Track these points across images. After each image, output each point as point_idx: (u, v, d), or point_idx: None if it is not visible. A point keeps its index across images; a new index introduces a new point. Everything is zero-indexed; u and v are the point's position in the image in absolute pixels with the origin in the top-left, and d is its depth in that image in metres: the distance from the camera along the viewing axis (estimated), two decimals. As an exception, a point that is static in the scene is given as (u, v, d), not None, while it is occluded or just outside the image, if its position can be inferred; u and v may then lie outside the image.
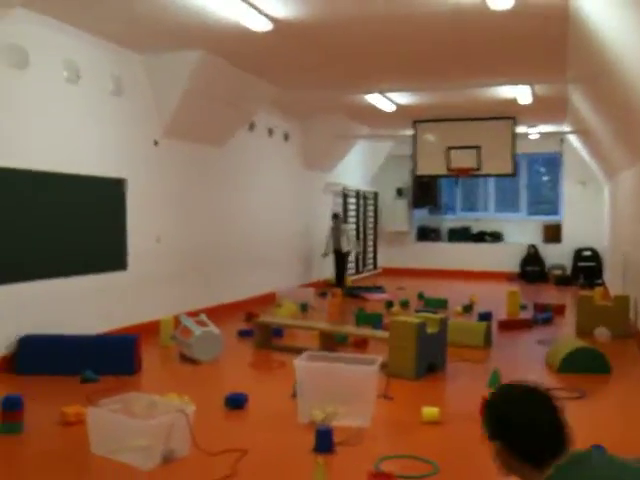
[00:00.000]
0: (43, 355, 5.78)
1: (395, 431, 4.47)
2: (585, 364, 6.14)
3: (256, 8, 5.96)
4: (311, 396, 4.53)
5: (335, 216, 12.81)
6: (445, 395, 5.52)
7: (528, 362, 6.69)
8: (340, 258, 12.68)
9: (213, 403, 4.94)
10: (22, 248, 6.00)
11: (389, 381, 5.48)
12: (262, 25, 6.29)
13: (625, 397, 5.41)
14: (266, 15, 6.14)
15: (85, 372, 5.54)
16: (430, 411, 4.60)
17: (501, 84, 9.49)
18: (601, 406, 5.16)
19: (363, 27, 6.57)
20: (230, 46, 7.27)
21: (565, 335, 7.83)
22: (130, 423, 3.77)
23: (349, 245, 12.73)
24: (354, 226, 14.90)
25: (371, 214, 16.20)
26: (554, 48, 7.28)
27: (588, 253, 15.01)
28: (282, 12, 6.11)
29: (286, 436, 4.27)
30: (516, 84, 9.33)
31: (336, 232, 12.62)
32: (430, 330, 6.03)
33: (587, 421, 4.75)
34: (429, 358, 6.00)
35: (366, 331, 6.88)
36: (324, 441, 3.98)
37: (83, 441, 3.95)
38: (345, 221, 13.68)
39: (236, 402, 4.83)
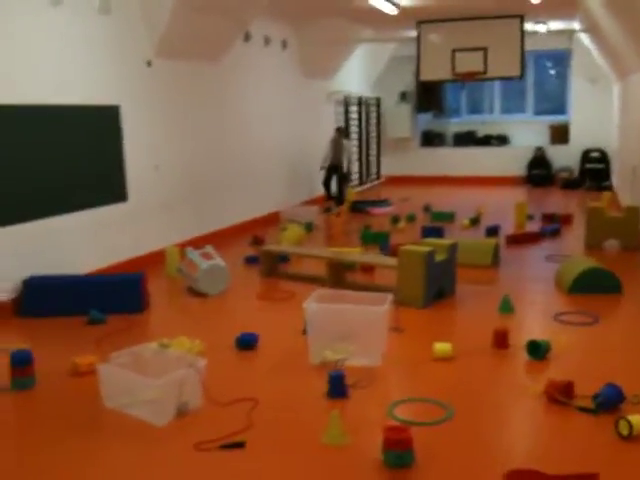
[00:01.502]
0: (49, 297, 5.71)
1: (407, 370, 4.45)
2: (596, 285, 6.08)
3: None
4: (322, 337, 4.48)
5: (338, 129, 12.25)
6: (456, 325, 5.49)
7: (538, 282, 6.63)
8: (337, 174, 12.15)
9: (223, 343, 4.91)
10: (17, 187, 5.80)
11: (398, 311, 5.44)
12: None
13: (638, 321, 5.37)
14: None
15: (91, 312, 5.49)
16: (442, 347, 4.57)
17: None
18: (615, 331, 5.13)
19: None
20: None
21: (574, 254, 7.72)
22: (141, 380, 3.73)
23: (347, 163, 12.19)
24: (356, 142, 14.54)
25: (374, 121, 15.79)
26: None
27: (596, 154, 14.74)
28: None
29: (298, 380, 4.26)
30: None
31: (337, 146, 12.02)
32: (439, 257, 5.93)
33: (601, 349, 4.74)
34: (438, 285, 5.93)
35: (373, 258, 6.78)
36: (337, 387, 3.95)
37: (95, 394, 3.93)
38: (348, 135, 13.13)
39: (246, 343, 4.79)
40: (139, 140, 7.44)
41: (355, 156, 14.57)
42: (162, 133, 7.90)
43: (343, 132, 12.36)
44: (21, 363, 4.16)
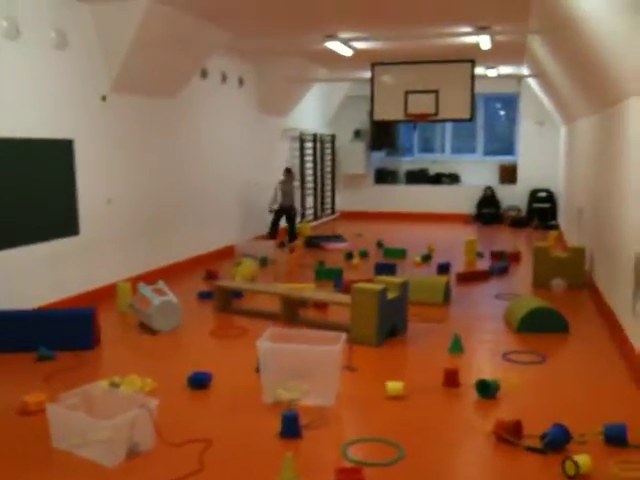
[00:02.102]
0: (-4, 332, 5.59)
1: (360, 408, 4.48)
2: (544, 324, 6.25)
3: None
4: (275, 375, 4.49)
5: (288, 171, 11.95)
6: (407, 363, 5.55)
7: (487, 320, 6.78)
8: (287, 214, 11.82)
9: (176, 382, 4.87)
10: (-33, 220, 5.70)
11: (351, 349, 5.49)
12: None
13: (584, 360, 5.52)
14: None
15: (40, 349, 5.38)
16: (394, 386, 4.62)
17: (463, 34, 9.32)
18: (562, 370, 5.26)
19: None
20: (180, -5, 6.87)
21: (522, 292, 7.93)
22: (91, 421, 3.67)
23: (294, 202, 11.92)
24: (311, 178, 14.71)
25: (328, 157, 16.00)
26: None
27: (543, 194, 15.20)
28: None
29: (252, 419, 4.24)
30: (477, 34, 9.14)
31: (288, 188, 11.76)
32: (391, 295, 6.02)
33: (549, 388, 4.86)
34: (390, 323, 6.01)
35: (326, 295, 6.83)
36: (290, 427, 3.96)
37: (45, 433, 3.85)
38: (293, 176, 12.27)
39: (199, 382, 4.76)
40: (92, 173, 7.39)
41: (310, 191, 14.72)
42: (116, 167, 7.86)
43: (293, 173, 12.10)
44: (-34, 402, 4.05)
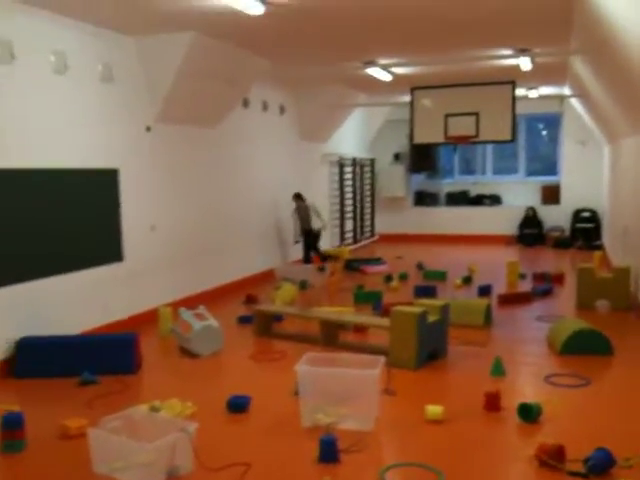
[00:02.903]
0: (42, 357, 5.72)
1: (399, 433, 4.44)
2: (587, 346, 6.13)
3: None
4: (313, 399, 4.50)
5: (297, 196, 11.40)
6: (447, 387, 5.49)
7: (529, 343, 6.67)
8: (312, 238, 11.55)
9: (215, 406, 4.91)
10: (16, 249, 5.88)
11: (391, 372, 5.45)
12: (255, 8, 6.07)
13: (629, 383, 5.39)
14: (257, -2, 5.92)
15: (83, 374, 5.49)
16: (434, 410, 4.58)
17: (503, 57, 9.32)
18: (606, 393, 5.13)
19: (361, 4, 6.33)
20: (222, 27, 7.03)
21: (566, 314, 7.78)
22: (132, 444, 3.73)
23: (319, 222, 11.52)
24: (350, 201, 14.75)
25: (368, 181, 16.05)
26: (559, 19, 7.06)
27: (587, 214, 14.94)
28: (273, -6, 5.89)
29: (290, 443, 4.25)
30: (517, 56, 9.11)
31: (303, 212, 11.38)
32: (431, 318, 5.98)
33: (593, 411, 4.75)
34: (431, 346, 5.96)
35: (366, 319, 6.83)
36: (328, 451, 3.95)
37: (85, 458, 3.91)
38: (304, 199, 11.57)
39: (238, 406, 4.79)
40: (136, 201, 7.57)
41: (349, 214, 14.77)
42: (159, 195, 8.04)
43: (303, 196, 11.49)
44: (12, 426, 4.16)
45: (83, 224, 6.72)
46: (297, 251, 11.96)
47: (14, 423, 4.15)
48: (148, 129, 7.75)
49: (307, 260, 11.55)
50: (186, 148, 8.61)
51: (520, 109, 12.30)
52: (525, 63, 9.59)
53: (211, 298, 8.87)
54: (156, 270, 7.94)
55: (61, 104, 6.44)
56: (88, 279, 6.80)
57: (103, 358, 5.73)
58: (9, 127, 5.84)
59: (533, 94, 13.49)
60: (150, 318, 7.51)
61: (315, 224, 11.51)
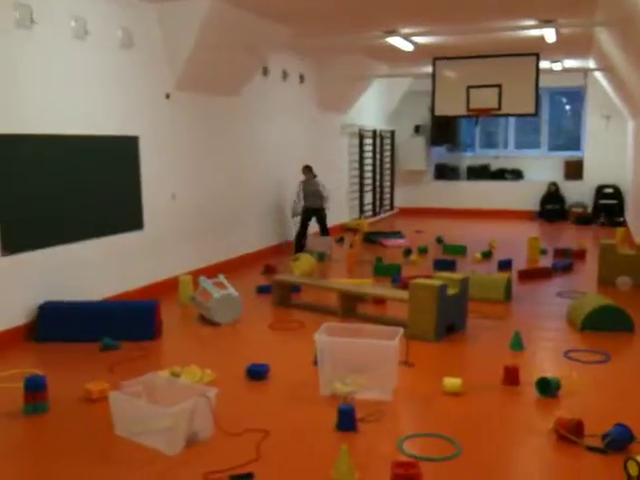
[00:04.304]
0: (63, 322, 5.79)
1: (417, 404, 4.45)
2: (608, 322, 6.07)
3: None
4: (332, 369, 4.52)
5: (308, 168, 10.56)
6: (466, 360, 5.48)
7: (549, 318, 6.63)
8: (317, 217, 10.64)
9: (234, 373, 4.95)
10: (37, 215, 5.93)
11: (409, 344, 5.45)
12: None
13: (649, 360, 5.35)
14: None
15: (104, 339, 5.55)
16: (452, 382, 4.58)
17: (527, 27, 9.13)
18: (626, 370, 5.10)
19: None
20: (242, -7, 6.98)
21: (587, 290, 7.71)
22: (152, 409, 3.77)
23: (322, 200, 10.51)
24: (370, 174, 14.64)
25: (388, 153, 15.92)
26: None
27: (610, 190, 14.75)
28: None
29: (308, 411, 4.27)
30: (542, 27, 8.93)
31: (310, 187, 10.49)
32: (451, 291, 5.96)
33: (612, 387, 4.72)
34: (449, 320, 5.95)
35: (385, 291, 6.81)
36: (346, 420, 3.97)
37: (107, 421, 3.97)
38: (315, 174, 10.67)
39: (257, 374, 4.83)
40: (157, 170, 7.57)
41: (369, 187, 14.69)
42: (179, 163, 8.03)
43: (311, 170, 10.59)
44: (34, 388, 4.22)
45: (104, 191, 6.74)
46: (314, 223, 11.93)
47: (37, 385, 4.21)
48: (167, 96, 7.72)
49: (299, 243, 10.44)
50: (206, 116, 8.57)
51: (543, 82, 12.05)
52: (549, 34, 9.41)
53: (231, 267, 8.90)
54: (176, 239, 7.97)
55: (81, 70, 6.42)
56: (109, 246, 6.84)
57: (124, 324, 5.79)
58: (28, 92, 5.84)
59: (557, 67, 13.26)
60: (171, 286, 7.56)
61: (318, 203, 10.49)
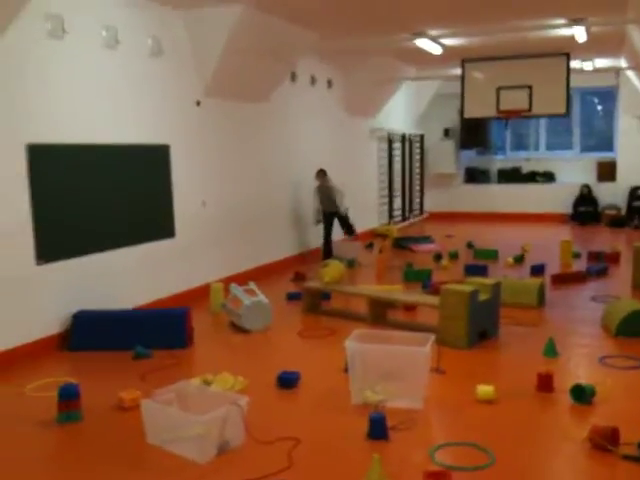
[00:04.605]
0: (96, 331, 5.87)
1: (449, 412, 4.41)
2: (644, 327, 5.96)
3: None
4: (363, 376, 4.50)
5: (322, 172, 10.28)
6: (499, 367, 5.42)
7: (583, 324, 6.52)
8: (338, 218, 10.43)
9: (265, 381, 4.96)
10: (70, 223, 6.03)
11: (441, 351, 5.40)
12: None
13: (687, 366, 5.23)
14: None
15: (137, 348, 5.61)
16: (485, 390, 4.53)
17: (557, 27, 9.02)
18: (662, 377, 5.00)
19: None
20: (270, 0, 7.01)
21: (621, 295, 7.57)
22: (184, 417, 3.80)
23: (342, 204, 10.28)
24: (399, 178, 14.55)
25: (417, 157, 15.85)
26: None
27: (644, 192, 14.48)
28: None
29: (339, 420, 4.26)
30: (572, 25, 8.81)
31: (326, 192, 10.24)
32: (483, 297, 5.90)
33: (648, 396, 4.63)
34: (481, 326, 5.89)
35: (415, 297, 6.78)
36: (378, 429, 3.95)
37: (139, 429, 4.00)
38: (328, 179, 10.32)
39: (288, 382, 4.83)
40: (187, 177, 7.64)
41: (398, 192, 14.63)
42: (209, 170, 8.10)
43: (325, 174, 10.31)
44: (68, 397, 4.27)
45: (136, 200, 6.83)
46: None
47: (70, 394, 4.27)
48: (198, 104, 7.79)
49: (326, 249, 10.39)
50: (234, 123, 8.63)
51: (574, 82, 11.88)
52: (580, 33, 9.28)
53: (261, 274, 8.93)
54: (207, 246, 8.03)
55: (112, 79, 6.52)
56: (142, 254, 6.92)
57: (156, 332, 5.84)
58: (61, 101, 5.94)
59: (588, 66, 13.07)
60: (201, 294, 7.61)
61: (341, 205, 10.30)
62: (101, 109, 6.39)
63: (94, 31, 6.25)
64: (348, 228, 10.69)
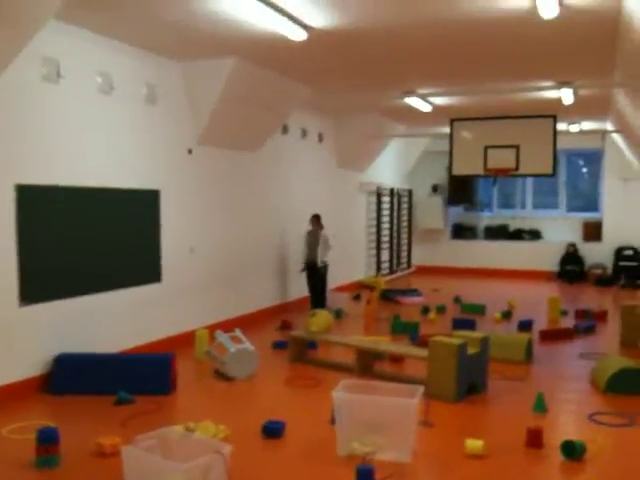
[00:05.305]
0: (78, 374, 5.74)
1: (437, 466, 4.32)
2: (633, 384, 5.91)
3: (291, 18, 5.79)
4: (350, 427, 4.40)
5: (315, 218, 9.97)
6: (488, 421, 5.33)
7: (572, 380, 6.47)
8: (314, 274, 9.91)
9: (249, 430, 4.84)
10: (56, 265, 5.95)
11: (429, 404, 5.32)
12: (297, 34, 6.12)
13: (677, 425, 5.17)
14: (301, 24, 5.97)
15: (119, 393, 5.48)
16: (474, 444, 4.44)
17: (544, 89, 9.23)
18: (652, 435, 4.94)
19: (401, 33, 6.36)
20: (265, 53, 7.13)
21: (609, 352, 7.55)
22: (166, 464, 3.67)
23: (324, 257, 9.87)
24: (387, 232, 14.66)
25: (405, 212, 15.96)
26: (602, 51, 6.99)
27: (630, 252, 14.60)
28: (317, 21, 5.95)
29: (325, 471, 4.15)
30: (559, 88, 9.02)
31: (312, 239, 9.90)
32: (471, 350, 5.84)
33: (638, 451, 4.55)
34: (470, 379, 5.82)
35: (403, 348, 6.71)
36: (365, 481, 3.84)
37: (119, 476, 3.86)
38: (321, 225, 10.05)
39: (273, 431, 4.72)
40: (176, 223, 7.62)
41: (386, 245, 14.67)
42: (198, 217, 8.08)
43: (319, 221, 9.99)
44: (47, 440, 4.15)
45: (123, 244, 6.78)
46: (332, 279, 11.89)
47: (49, 438, 4.14)
48: (190, 152, 7.84)
49: (313, 298, 9.94)
50: (226, 172, 8.67)
51: (561, 144, 12.11)
52: (567, 95, 9.49)
53: (247, 322, 8.82)
54: (194, 292, 7.95)
55: (106, 124, 6.55)
56: (127, 299, 6.83)
57: (139, 377, 5.72)
58: (54, 144, 5.95)
59: (574, 128, 13.35)
60: (186, 340, 7.49)
61: (319, 260, 9.83)
62: (92, 153, 6.40)
63: (89, 76, 6.31)
64: (321, 289, 9.97)
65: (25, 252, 5.63)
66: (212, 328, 7.49)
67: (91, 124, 6.36)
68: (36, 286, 5.74)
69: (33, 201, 5.71)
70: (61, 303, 6.01)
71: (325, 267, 9.95)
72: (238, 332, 6.67)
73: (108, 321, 6.58)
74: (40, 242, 5.79)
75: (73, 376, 5.73)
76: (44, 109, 5.83)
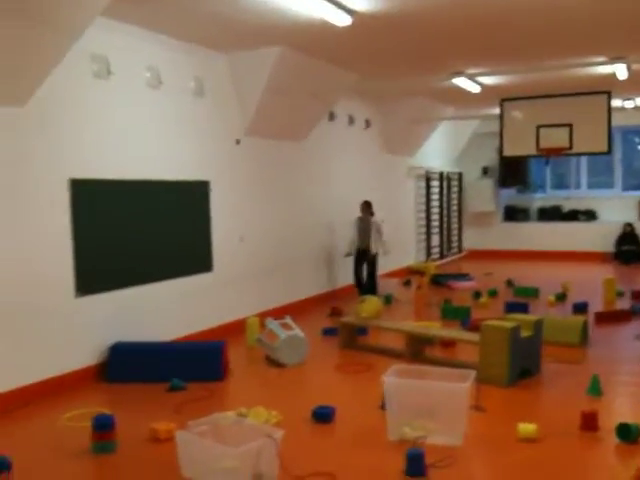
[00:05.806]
0: (132, 363, 5.89)
1: (489, 450, 4.28)
2: (693, 367, 5.74)
3: (335, 3, 5.77)
4: (400, 412, 4.40)
5: (365, 204, 10.02)
6: (541, 405, 5.25)
7: (628, 362, 6.32)
8: (366, 261, 9.99)
9: (300, 415, 4.88)
10: (112, 257, 6.11)
11: (480, 389, 5.26)
12: (342, 19, 6.09)
13: None
14: (345, 9, 5.94)
15: (172, 380, 5.60)
16: (527, 428, 4.38)
17: (597, 64, 8.96)
18: None
19: (448, 13, 6.26)
20: (310, 40, 7.13)
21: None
22: (218, 449, 3.74)
23: (377, 244, 9.90)
24: (437, 216, 14.51)
25: (455, 195, 15.78)
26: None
27: (689, 231, 14.12)
28: (362, 5, 5.90)
29: (375, 456, 4.16)
30: (612, 63, 8.74)
31: (364, 225, 9.92)
32: (524, 334, 5.76)
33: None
34: (522, 363, 5.73)
35: (454, 333, 6.66)
36: (416, 465, 3.83)
37: (173, 461, 3.95)
38: (371, 214, 10.05)
39: (323, 416, 4.75)
40: (226, 213, 7.71)
41: (436, 229, 14.54)
42: (247, 207, 8.17)
43: (370, 207, 10.06)
44: (103, 427, 4.26)
45: (176, 234, 6.91)
46: (384, 265, 11.82)
47: (105, 425, 4.26)
48: (238, 142, 7.91)
49: (359, 287, 10.05)
50: (274, 161, 8.73)
51: (616, 121, 11.76)
52: (621, 71, 9.19)
53: (297, 309, 8.89)
54: (244, 281, 8.05)
55: (155, 117, 6.67)
56: (179, 288, 6.96)
57: (192, 365, 5.83)
58: (106, 139, 6.08)
59: (629, 105, 12.92)
60: (237, 328, 7.60)
61: (373, 246, 9.89)
62: (143, 146, 6.53)
63: (138, 72, 6.42)
64: (370, 274, 10.08)
65: (80, 245, 5.79)
66: (262, 316, 7.58)
67: (141, 118, 6.48)
68: (91, 277, 5.91)
69: (86, 195, 5.86)
70: (115, 294, 6.17)
71: (376, 254, 9.98)
72: (288, 319, 6.72)
73: (161, 310, 6.72)
74: (94, 235, 5.94)
75: (128, 364, 5.88)
76: (95, 105, 5.97)
